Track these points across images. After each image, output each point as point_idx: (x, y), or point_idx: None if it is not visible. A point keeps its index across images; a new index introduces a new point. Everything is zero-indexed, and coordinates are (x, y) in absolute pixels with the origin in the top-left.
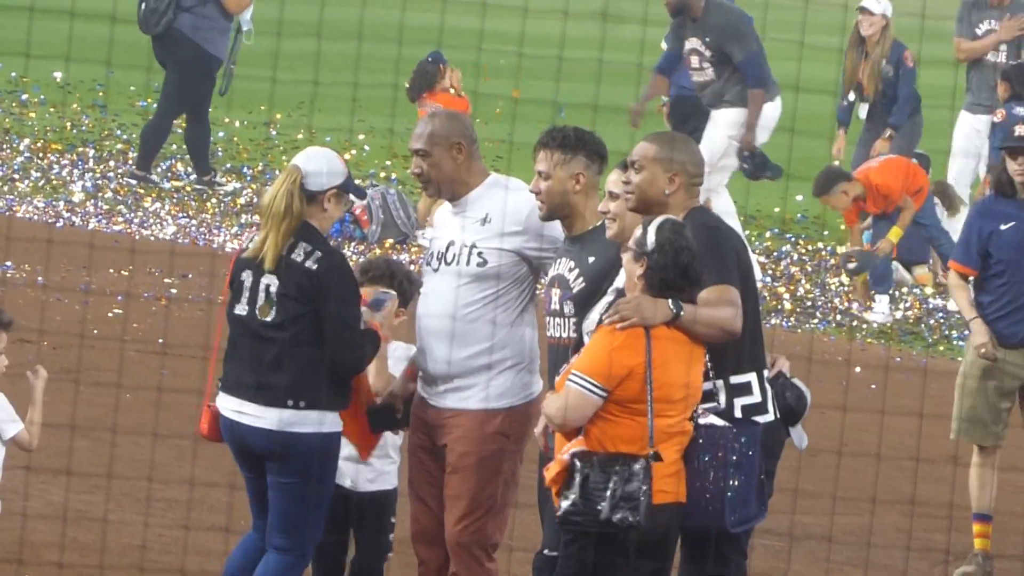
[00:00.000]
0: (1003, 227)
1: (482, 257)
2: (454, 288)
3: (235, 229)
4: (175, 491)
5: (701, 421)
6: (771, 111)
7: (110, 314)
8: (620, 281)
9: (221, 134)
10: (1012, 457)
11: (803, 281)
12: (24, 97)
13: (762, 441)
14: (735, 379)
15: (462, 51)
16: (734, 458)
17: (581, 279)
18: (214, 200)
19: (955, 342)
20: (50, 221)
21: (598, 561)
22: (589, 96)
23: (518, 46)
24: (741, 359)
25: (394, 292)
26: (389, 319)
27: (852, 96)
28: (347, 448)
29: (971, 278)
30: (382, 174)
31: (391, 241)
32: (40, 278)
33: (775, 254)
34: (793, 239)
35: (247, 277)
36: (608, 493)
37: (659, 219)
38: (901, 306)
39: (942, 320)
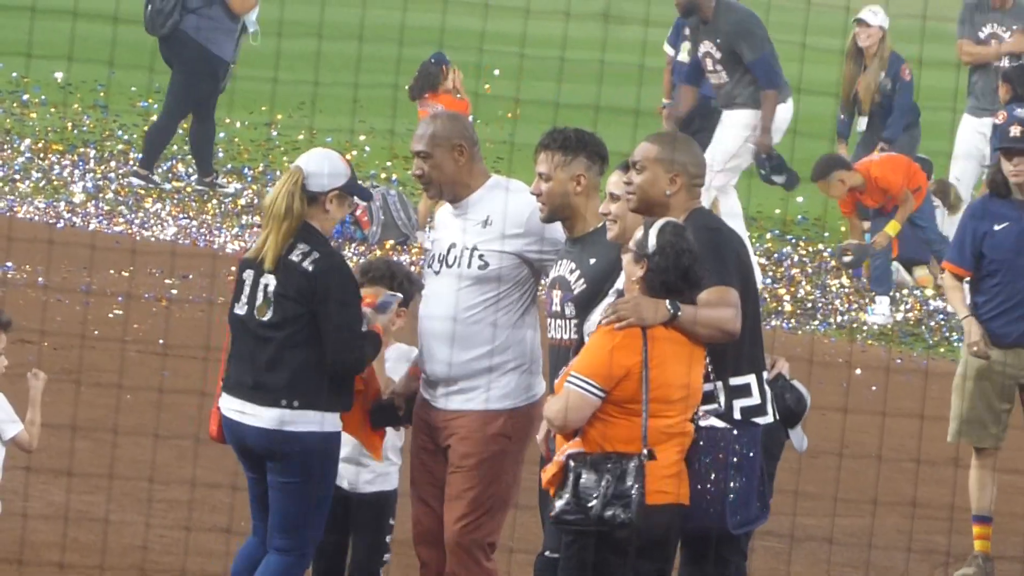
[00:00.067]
0: (997, 228)
1: (483, 259)
2: (455, 290)
3: (236, 230)
4: (176, 492)
5: (701, 423)
6: (783, 112)
7: (111, 315)
8: (621, 283)
9: (222, 135)
10: (1012, 459)
11: (804, 283)
12: (25, 97)
13: (762, 443)
14: (734, 381)
15: (463, 52)
16: (735, 460)
17: (582, 281)
18: (215, 201)
19: (955, 344)
20: (51, 222)
21: (598, 561)
22: (591, 97)
23: (519, 47)
24: (741, 361)
25: (400, 295)
26: (391, 321)
27: (852, 110)
28: (346, 449)
29: (966, 279)
30: (383, 175)
31: (391, 242)
32: (41, 279)
33: (776, 256)
34: (794, 241)
35: (248, 277)
36: (600, 491)
37: (660, 221)
38: (902, 308)
39: (943, 322)
